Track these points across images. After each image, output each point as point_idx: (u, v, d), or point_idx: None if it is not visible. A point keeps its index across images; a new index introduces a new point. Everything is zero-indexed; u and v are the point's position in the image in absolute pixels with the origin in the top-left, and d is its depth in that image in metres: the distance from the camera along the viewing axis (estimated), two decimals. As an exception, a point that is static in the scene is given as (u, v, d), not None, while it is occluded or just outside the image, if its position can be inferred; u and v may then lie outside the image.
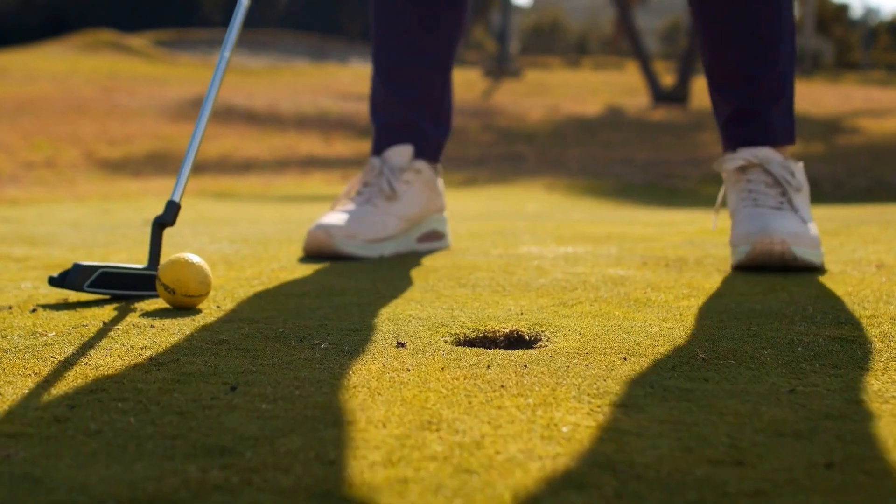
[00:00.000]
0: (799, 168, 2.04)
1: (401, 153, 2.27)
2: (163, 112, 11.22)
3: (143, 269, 1.67)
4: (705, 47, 2.08)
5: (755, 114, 2.04)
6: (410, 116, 2.29)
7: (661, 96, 13.96)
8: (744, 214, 1.96)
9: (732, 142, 2.07)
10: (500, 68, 17.64)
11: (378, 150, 2.30)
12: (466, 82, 14.85)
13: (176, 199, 1.71)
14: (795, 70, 2.09)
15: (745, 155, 2.02)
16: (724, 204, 2.11)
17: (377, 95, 2.33)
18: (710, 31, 2.06)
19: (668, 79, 15.36)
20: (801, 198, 2.01)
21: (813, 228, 1.96)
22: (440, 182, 2.36)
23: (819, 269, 1.89)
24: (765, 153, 2.02)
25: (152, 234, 1.69)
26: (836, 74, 19.64)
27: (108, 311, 1.52)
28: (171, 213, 1.70)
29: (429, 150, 2.32)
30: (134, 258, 2.13)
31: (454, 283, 1.80)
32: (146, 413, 1.03)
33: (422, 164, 2.29)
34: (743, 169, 2.03)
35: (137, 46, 18.92)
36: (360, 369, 1.20)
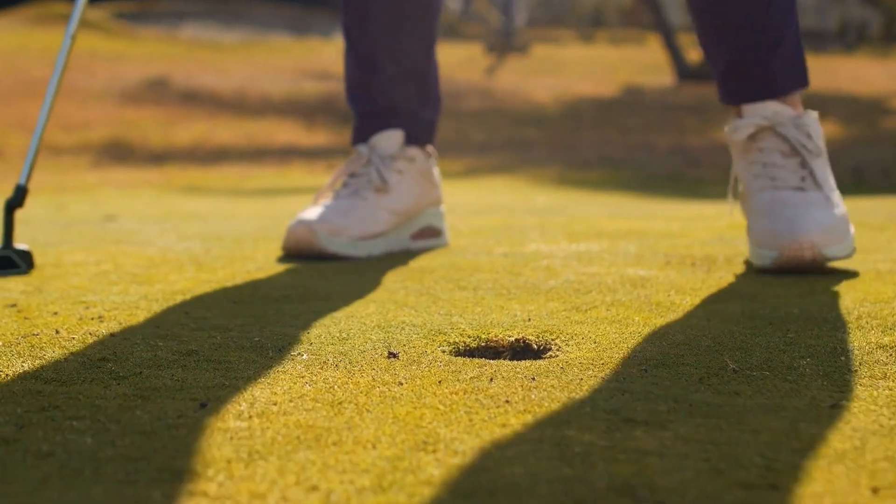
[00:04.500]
0: (813, 121, 1.98)
1: (390, 139, 2.27)
2: (124, 94, 11.22)
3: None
4: None
5: (756, 63, 1.99)
6: (394, 97, 2.28)
7: (686, 74, 13.95)
8: (763, 203, 1.92)
9: (732, 97, 2.02)
10: (504, 43, 17.64)
11: (359, 139, 2.29)
12: (466, 59, 14.85)
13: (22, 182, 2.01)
14: (797, 10, 2.03)
15: (754, 119, 1.96)
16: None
17: (352, 76, 2.32)
18: None
19: (693, 54, 15.35)
20: (822, 164, 1.96)
21: (839, 207, 1.93)
22: (436, 171, 2.36)
23: (849, 256, 1.90)
24: (774, 110, 1.96)
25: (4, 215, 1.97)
26: (885, 48, 19.65)
27: (62, 319, 1.53)
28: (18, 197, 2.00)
29: (420, 134, 2.31)
30: (93, 257, 2.13)
31: (453, 285, 1.81)
32: (105, 433, 1.03)
33: (414, 151, 2.29)
34: (753, 136, 1.97)
35: (95, 20, 18.92)
36: (347, 383, 1.20)
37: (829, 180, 1.97)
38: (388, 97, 2.28)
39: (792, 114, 1.97)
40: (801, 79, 2.01)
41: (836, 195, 1.96)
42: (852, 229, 1.93)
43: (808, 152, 1.95)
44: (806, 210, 1.89)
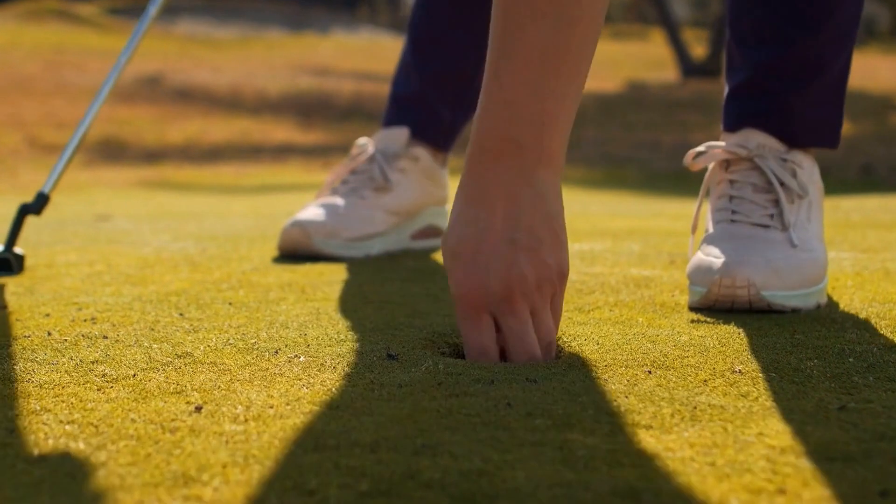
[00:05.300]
0: (808, 163, 1.70)
1: (395, 136, 2.26)
2: (117, 91, 11.21)
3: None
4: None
5: (772, 93, 1.71)
6: (426, 91, 2.27)
7: (690, 70, 13.97)
8: (712, 235, 1.66)
9: (731, 120, 1.74)
10: (505, 39, 17.63)
11: (385, 120, 2.31)
12: (467, 55, 14.85)
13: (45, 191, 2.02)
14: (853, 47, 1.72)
15: (728, 145, 1.70)
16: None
17: (403, 58, 2.33)
18: None
19: (698, 50, 15.37)
20: (803, 208, 1.66)
21: (810, 255, 1.61)
22: (444, 173, 2.34)
23: (809, 311, 1.57)
24: (760, 141, 1.68)
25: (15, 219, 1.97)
26: (893, 44, 19.66)
27: (54, 321, 1.52)
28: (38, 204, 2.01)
29: (436, 135, 2.29)
30: (85, 258, 2.13)
31: (453, 285, 1.80)
32: (97, 437, 1.03)
33: (420, 151, 2.28)
34: (727, 164, 1.71)
35: (88, 15, 18.92)
36: (345, 386, 1.20)
37: (811, 227, 1.66)
38: (419, 89, 2.27)
39: (781, 148, 1.69)
40: (829, 134, 1.74)
41: (813, 246, 1.64)
42: (822, 284, 1.62)
43: (787, 190, 1.66)
44: (754, 245, 1.60)
